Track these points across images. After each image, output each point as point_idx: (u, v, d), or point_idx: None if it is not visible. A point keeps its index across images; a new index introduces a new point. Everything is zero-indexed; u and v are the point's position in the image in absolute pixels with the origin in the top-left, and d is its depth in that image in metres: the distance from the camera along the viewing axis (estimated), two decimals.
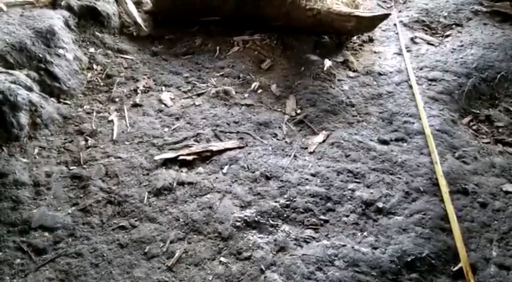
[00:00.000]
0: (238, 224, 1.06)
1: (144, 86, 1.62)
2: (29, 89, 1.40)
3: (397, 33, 1.75)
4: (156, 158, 1.28)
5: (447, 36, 1.83)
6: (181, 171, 1.23)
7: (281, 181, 1.17)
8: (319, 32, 1.74)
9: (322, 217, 1.03)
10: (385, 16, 1.65)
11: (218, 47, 1.73)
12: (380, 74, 1.61)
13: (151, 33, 1.85)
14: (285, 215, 1.09)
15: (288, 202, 1.11)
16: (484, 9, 1.95)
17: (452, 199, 1.10)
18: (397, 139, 1.31)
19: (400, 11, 1.97)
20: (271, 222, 1.07)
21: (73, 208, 1.13)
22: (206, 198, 1.14)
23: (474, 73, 1.56)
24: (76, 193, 1.18)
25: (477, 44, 1.70)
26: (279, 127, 1.38)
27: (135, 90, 1.60)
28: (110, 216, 1.10)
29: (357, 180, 1.15)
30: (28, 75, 1.46)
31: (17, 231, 1.07)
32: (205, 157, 1.27)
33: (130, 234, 1.05)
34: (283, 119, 1.41)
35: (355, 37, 1.78)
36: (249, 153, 1.27)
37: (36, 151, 1.32)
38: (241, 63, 1.64)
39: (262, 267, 0.94)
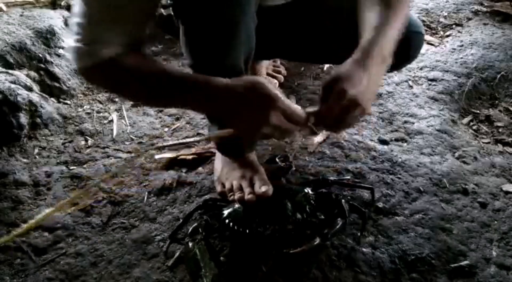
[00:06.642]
0: None
1: None
2: (29, 89, 1.40)
3: None
4: (156, 157, 1.28)
5: (447, 36, 1.84)
6: (181, 171, 1.23)
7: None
8: None
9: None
10: None
11: None
12: None
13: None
14: None
15: None
16: (484, 9, 1.95)
17: (452, 199, 1.10)
18: (397, 140, 1.31)
19: None
20: None
21: (73, 208, 1.13)
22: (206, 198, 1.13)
23: (474, 73, 1.56)
24: (76, 193, 1.18)
25: (477, 44, 1.70)
26: None
27: None
28: (110, 216, 1.10)
29: (357, 180, 1.15)
30: (28, 75, 1.46)
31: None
32: (205, 157, 1.26)
33: (130, 234, 1.05)
34: None
35: None
36: None
37: (36, 151, 1.32)
38: None
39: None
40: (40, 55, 1.52)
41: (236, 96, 0.75)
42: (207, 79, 0.77)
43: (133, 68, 0.79)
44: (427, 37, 1.81)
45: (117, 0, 0.73)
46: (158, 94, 0.83)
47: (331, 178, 1.08)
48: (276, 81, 1.54)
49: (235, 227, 0.93)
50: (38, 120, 1.39)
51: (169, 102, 0.96)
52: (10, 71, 1.40)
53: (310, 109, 0.79)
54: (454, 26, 1.89)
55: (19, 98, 1.33)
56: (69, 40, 0.78)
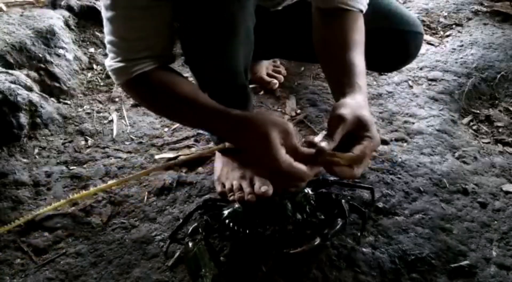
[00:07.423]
0: None
1: None
2: (29, 89, 1.40)
3: None
4: (156, 157, 1.28)
5: (447, 36, 1.84)
6: (181, 171, 1.23)
7: None
8: None
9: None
10: None
11: None
12: (380, 74, 1.61)
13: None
14: None
15: None
16: (484, 9, 1.95)
17: (452, 199, 1.10)
18: (397, 140, 1.31)
19: None
20: None
21: (73, 208, 1.13)
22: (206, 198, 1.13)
23: (474, 73, 1.56)
24: (76, 193, 1.18)
25: (477, 44, 1.70)
26: None
27: None
28: (110, 216, 1.10)
29: (357, 180, 1.15)
30: (28, 75, 1.46)
31: (17, 231, 1.07)
32: (205, 157, 1.26)
33: (130, 234, 1.05)
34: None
35: None
36: None
37: (36, 151, 1.32)
38: None
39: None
40: (40, 55, 1.52)
41: (246, 133, 0.75)
42: (227, 111, 0.78)
43: (157, 87, 0.83)
44: (427, 37, 1.81)
45: (133, 16, 0.76)
46: (179, 116, 0.88)
47: (331, 178, 1.08)
48: (277, 82, 1.54)
49: (235, 227, 0.93)
50: (38, 120, 1.39)
51: (189, 124, 1.08)
52: (10, 71, 1.40)
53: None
54: (454, 26, 1.89)
55: (19, 98, 1.33)
56: (107, 58, 0.85)
